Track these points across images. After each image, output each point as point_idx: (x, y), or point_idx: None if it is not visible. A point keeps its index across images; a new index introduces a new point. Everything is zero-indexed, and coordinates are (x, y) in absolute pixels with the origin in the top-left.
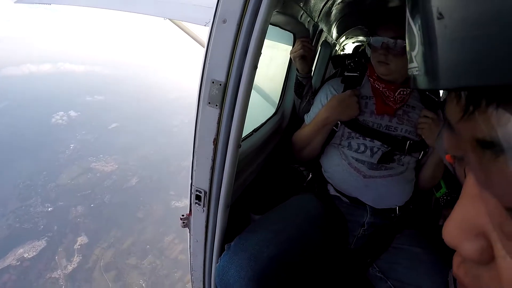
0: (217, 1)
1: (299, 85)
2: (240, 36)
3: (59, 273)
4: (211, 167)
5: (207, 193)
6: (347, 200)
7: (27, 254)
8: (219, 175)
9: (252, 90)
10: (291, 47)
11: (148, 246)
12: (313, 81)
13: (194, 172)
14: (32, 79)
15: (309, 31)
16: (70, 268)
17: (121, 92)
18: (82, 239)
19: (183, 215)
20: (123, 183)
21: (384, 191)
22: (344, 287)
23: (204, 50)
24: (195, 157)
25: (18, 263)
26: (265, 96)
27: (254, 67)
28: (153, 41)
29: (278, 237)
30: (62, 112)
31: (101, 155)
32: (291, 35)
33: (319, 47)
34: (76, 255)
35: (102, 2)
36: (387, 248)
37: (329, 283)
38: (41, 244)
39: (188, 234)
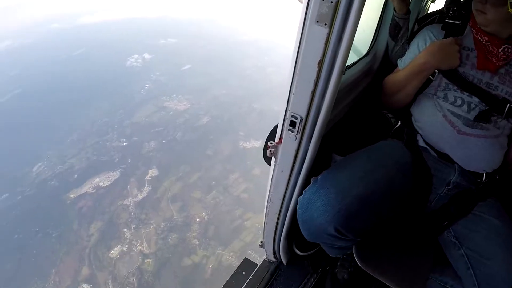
0: None
1: (395, 26)
2: None
3: (129, 200)
4: (312, 92)
5: (303, 120)
6: (435, 155)
7: (102, 183)
8: (319, 101)
9: None
10: None
11: (213, 182)
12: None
13: (292, 96)
14: (107, 25)
15: None
16: (140, 197)
17: (194, 34)
18: (153, 172)
19: (271, 143)
20: (194, 122)
21: (476, 151)
22: (416, 245)
23: None
24: (295, 79)
25: (94, 191)
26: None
27: None
28: None
29: (367, 177)
30: (137, 55)
31: (174, 95)
32: None
33: None
34: (146, 185)
35: None
36: (467, 213)
37: (403, 236)
38: (116, 174)
39: (273, 163)
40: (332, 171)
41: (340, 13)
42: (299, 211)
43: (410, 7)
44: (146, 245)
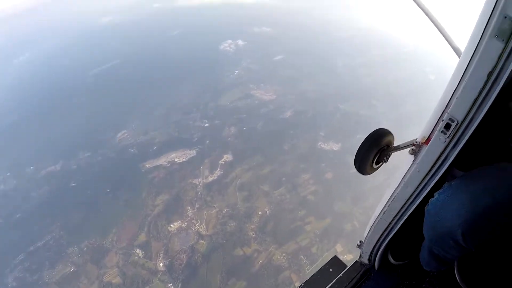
0: None
1: None
2: None
3: (199, 180)
4: (475, 99)
5: (458, 124)
6: None
7: (177, 159)
8: (477, 109)
9: None
10: None
11: (284, 178)
12: None
13: (455, 99)
14: (204, 9)
15: None
16: (210, 179)
17: (289, 25)
18: (227, 157)
19: (416, 142)
20: (278, 114)
21: None
22: None
23: None
24: (461, 84)
25: (168, 165)
26: None
27: None
28: None
29: (496, 191)
30: (230, 40)
31: (262, 84)
32: None
33: None
34: (218, 169)
35: None
36: None
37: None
38: (192, 153)
39: (412, 162)
40: (466, 179)
41: None
42: (431, 211)
43: None
44: (204, 227)
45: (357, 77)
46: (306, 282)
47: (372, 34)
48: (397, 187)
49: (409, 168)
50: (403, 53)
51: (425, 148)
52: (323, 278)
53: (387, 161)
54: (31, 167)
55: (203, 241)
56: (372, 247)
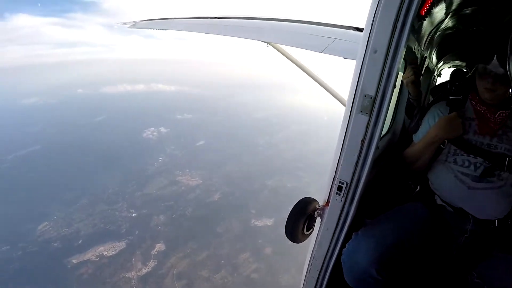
0: (368, 36)
1: (410, 106)
2: (387, 62)
3: (133, 274)
4: (355, 163)
5: (348, 184)
6: (451, 210)
7: (106, 253)
8: (360, 170)
9: None
10: (402, 73)
11: (222, 261)
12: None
13: (340, 166)
14: (127, 97)
15: (417, 58)
16: (144, 271)
17: (209, 111)
18: (160, 246)
19: (318, 206)
20: (205, 198)
21: (486, 201)
22: None
23: (357, 71)
24: (342, 153)
25: (97, 259)
26: None
27: (394, 85)
28: (244, 63)
29: (396, 231)
30: (153, 128)
31: (187, 170)
32: (403, 61)
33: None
34: (152, 260)
35: (214, 29)
36: (487, 256)
37: (433, 282)
38: (121, 245)
39: (319, 223)
40: (369, 225)
41: (376, 105)
42: (345, 259)
43: (422, 87)
44: None
45: (279, 153)
46: None
47: (287, 111)
48: (313, 247)
49: (319, 229)
50: (320, 124)
51: (327, 210)
52: None
53: None
54: None
55: None
56: None
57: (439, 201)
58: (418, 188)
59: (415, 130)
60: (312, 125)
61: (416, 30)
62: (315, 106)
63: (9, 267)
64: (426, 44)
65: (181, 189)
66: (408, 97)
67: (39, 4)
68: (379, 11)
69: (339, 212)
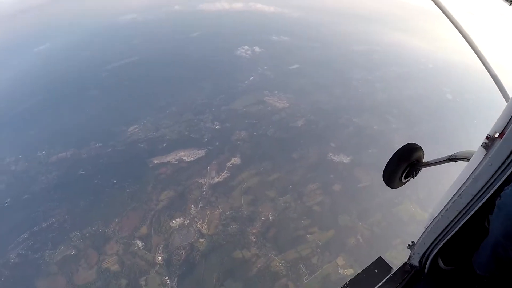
0: None
1: None
2: None
3: (205, 180)
4: None
5: None
6: None
7: (186, 158)
8: None
9: None
10: None
11: (290, 186)
12: None
13: None
14: (224, 14)
15: None
16: (216, 180)
17: (308, 36)
18: (235, 160)
19: (489, 136)
20: (289, 122)
21: None
22: None
23: None
24: None
25: (176, 162)
26: None
27: None
28: None
29: None
30: (247, 47)
31: (276, 91)
32: None
33: None
34: (225, 171)
35: None
36: None
37: None
38: (200, 153)
39: (484, 156)
40: None
41: None
42: (506, 202)
43: None
44: (206, 226)
45: (372, 92)
46: (351, 282)
47: (391, 50)
48: (465, 182)
49: (480, 162)
50: (421, 71)
51: (499, 142)
52: (369, 279)
53: (415, 176)
54: (43, 152)
55: (203, 240)
56: (426, 248)
57: None
58: None
59: None
60: (414, 71)
61: None
62: (424, 51)
63: (99, 161)
64: None
65: (267, 109)
66: None
67: None
68: None
69: None
